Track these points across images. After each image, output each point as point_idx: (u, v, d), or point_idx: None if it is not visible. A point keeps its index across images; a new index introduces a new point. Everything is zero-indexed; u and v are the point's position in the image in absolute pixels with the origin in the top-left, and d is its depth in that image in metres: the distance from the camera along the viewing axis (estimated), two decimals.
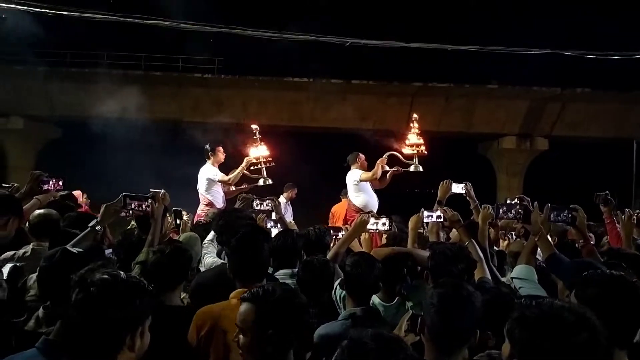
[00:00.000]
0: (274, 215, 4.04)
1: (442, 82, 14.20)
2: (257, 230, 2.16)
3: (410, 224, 3.38)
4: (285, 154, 7.66)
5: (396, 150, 6.26)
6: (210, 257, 3.20)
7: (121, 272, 1.45)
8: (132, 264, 2.62)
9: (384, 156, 6.13)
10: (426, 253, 2.56)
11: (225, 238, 2.81)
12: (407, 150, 6.05)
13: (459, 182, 3.89)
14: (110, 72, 12.40)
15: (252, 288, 1.65)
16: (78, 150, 12.61)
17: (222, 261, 3.04)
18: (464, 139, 16.22)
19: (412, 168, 6.09)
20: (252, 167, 5.84)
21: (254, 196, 3.89)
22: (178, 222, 3.94)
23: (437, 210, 3.40)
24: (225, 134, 6.66)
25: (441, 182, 3.88)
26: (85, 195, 5.98)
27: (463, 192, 3.84)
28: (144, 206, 2.90)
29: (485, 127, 15.00)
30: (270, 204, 3.86)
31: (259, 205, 3.87)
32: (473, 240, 2.91)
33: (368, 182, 6.17)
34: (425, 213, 3.39)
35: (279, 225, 3.74)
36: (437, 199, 3.78)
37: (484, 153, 16.56)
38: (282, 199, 7.60)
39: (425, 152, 6.03)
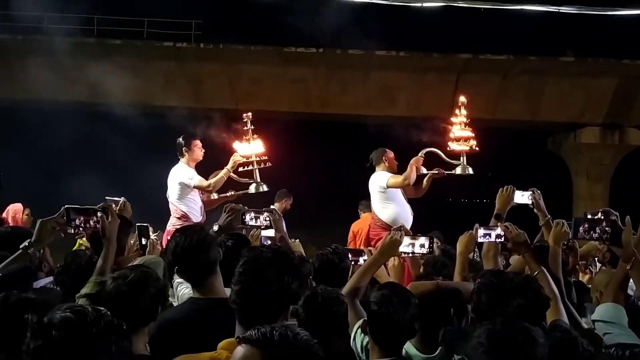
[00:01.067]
0: (269, 232, 4.05)
1: (499, 53, 14.17)
2: (280, 255, 2.14)
3: (458, 246, 3.39)
4: (285, 151, 7.72)
5: (437, 146, 6.28)
6: (184, 287, 3.22)
7: (89, 308, 1.46)
8: (75, 297, 2.65)
9: (420, 154, 6.16)
10: (471, 285, 2.56)
11: (188, 272, 2.76)
12: (452, 146, 6.07)
13: (524, 189, 3.89)
14: (51, 40, 12.48)
15: (255, 329, 1.64)
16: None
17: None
18: (529, 130, 16.15)
19: (458, 170, 6.14)
20: (241, 169, 5.89)
21: (246, 207, 3.92)
22: (144, 241, 3.98)
23: (495, 227, 3.40)
24: (206, 123, 6.72)
25: (500, 190, 3.89)
26: (27, 211, 6.03)
27: (529, 202, 3.85)
28: (91, 222, 2.93)
29: (557, 114, 14.90)
30: (268, 218, 3.88)
31: (253, 220, 3.89)
32: (544, 270, 2.91)
33: (399, 189, 6.19)
34: (481, 231, 3.39)
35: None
36: (495, 211, 3.78)
37: (555, 150, 16.45)
38: None
39: (477, 149, 6.06)
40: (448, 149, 6.13)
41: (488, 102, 14.05)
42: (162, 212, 6.09)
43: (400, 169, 6.24)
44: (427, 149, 6.23)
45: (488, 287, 2.43)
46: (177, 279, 3.35)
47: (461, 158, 6.14)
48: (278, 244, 3.58)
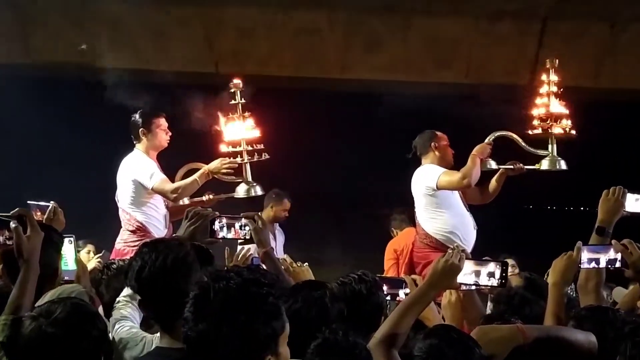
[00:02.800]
0: (253, 249, 4.13)
1: None
2: (243, 286, 2.15)
3: (551, 275, 3.43)
4: (289, 135, 7.72)
5: (512, 129, 6.27)
6: (126, 327, 3.27)
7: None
8: None
9: (487, 140, 6.17)
10: (589, 335, 2.58)
11: (158, 308, 2.78)
12: (535, 129, 6.06)
13: (636, 191, 3.94)
14: None
15: None
16: None
17: (152, 335, 3.09)
18: None
19: (545, 164, 6.14)
20: (225, 164, 5.91)
21: (216, 213, 3.97)
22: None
23: (608, 246, 3.41)
24: (174, 93, 6.75)
25: (604, 193, 3.93)
26: None
27: None
28: (0, 238, 2.97)
29: None
30: (247, 228, 3.93)
31: (225, 230, 3.93)
32: None
33: (455, 192, 6.19)
34: (585, 254, 3.43)
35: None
36: (597, 224, 3.82)
37: None
38: None
39: (573, 132, 6.03)
40: (529, 132, 6.12)
41: (588, 64, 13.98)
42: (109, 222, 6.14)
43: (457, 162, 6.24)
44: (498, 133, 6.24)
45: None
46: (114, 316, 3.37)
47: (549, 146, 6.13)
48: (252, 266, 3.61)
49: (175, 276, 2.73)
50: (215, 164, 5.88)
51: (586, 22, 14.18)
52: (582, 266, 3.44)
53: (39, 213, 4.38)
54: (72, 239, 4.09)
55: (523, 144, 6.19)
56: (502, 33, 14.16)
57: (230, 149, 5.91)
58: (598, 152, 10.16)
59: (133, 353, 3.12)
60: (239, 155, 5.90)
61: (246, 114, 5.91)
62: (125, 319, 3.30)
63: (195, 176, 5.86)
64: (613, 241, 3.48)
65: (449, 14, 14.12)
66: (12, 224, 2.91)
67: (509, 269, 5.94)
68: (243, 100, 5.91)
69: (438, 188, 6.10)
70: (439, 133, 6.34)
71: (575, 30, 14.00)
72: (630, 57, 14.58)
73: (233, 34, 14.35)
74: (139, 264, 2.77)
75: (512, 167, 6.15)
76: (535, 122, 6.12)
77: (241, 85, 5.94)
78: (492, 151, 6.17)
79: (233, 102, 5.93)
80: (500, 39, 14.21)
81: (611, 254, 3.42)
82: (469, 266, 3.16)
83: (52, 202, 4.41)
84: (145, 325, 3.30)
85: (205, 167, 5.88)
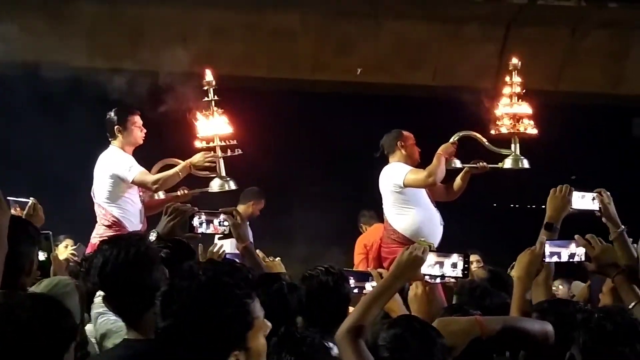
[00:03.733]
0: (231, 245, 4.09)
1: None
2: (213, 279, 2.14)
3: (517, 269, 3.43)
4: (262, 133, 7.72)
5: (476, 128, 6.31)
6: (111, 319, 3.26)
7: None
8: None
9: (451, 139, 6.20)
10: (545, 324, 2.63)
11: (121, 302, 2.74)
12: (498, 129, 6.10)
13: (587, 189, 3.96)
14: None
15: None
16: None
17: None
18: (606, 107, 16.19)
19: (508, 163, 6.19)
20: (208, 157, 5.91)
21: (195, 208, 3.97)
22: (42, 256, 3.93)
23: (571, 242, 3.46)
24: (149, 91, 6.74)
25: (552, 191, 3.98)
26: None
27: (596, 208, 3.92)
28: None
29: None
30: (225, 223, 3.93)
31: (204, 225, 3.94)
32: None
33: (422, 189, 6.22)
34: (549, 248, 3.46)
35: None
36: (545, 220, 3.85)
37: None
38: None
39: (535, 131, 6.08)
40: (492, 132, 6.16)
41: (550, 67, 14.08)
42: (86, 218, 6.11)
43: (423, 161, 6.27)
44: (462, 133, 6.27)
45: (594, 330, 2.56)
46: (96, 309, 3.36)
47: (512, 146, 6.17)
48: (231, 261, 3.61)
49: (138, 270, 2.70)
50: (197, 157, 5.89)
51: (548, 28, 14.29)
52: (546, 260, 3.47)
53: (18, 209, 4.35)
54: (49, 235, 4.08)
55: (486, 143, 6.23)
56: (469, 37, 14.24)
57: (204, 145, 5.92)
58: (558, 153, 10.25)
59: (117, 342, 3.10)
60: (212, 151, 5.91)
61: (219, 110, 5.92)
62: (108, 313, 3.23)
63: (177, 169, 5.86)
64: (576, 236, 3.52)
65: (416, 19, 14.16)
66: None
67: (474, 264, 5.97)
68: (215, 98, 5.93)
69: (405, 186, 6.13)
70: (405, 132, 6.37)
71: (539, 36, 14.10)
72: (593, 65, 14.72)
73: (208, 36, 14.31)
74: (100, 261, 2.72)
75: (476, 165, 6.19)
76: (499, 122, 6.16)
77: (214, 84, 5.96)
78: (456, 150, 6.21)
79: (206, 99, 5.95)
80: (468, 43, 14.28)
81: (572, 249, 3.46)
82: (432, 258, 3.18)
83: (31, 198, 4.39)
84: None
85: (187, 161, 5.88)
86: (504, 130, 6.15)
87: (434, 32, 14.47)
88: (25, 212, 4.29)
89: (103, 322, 3.27)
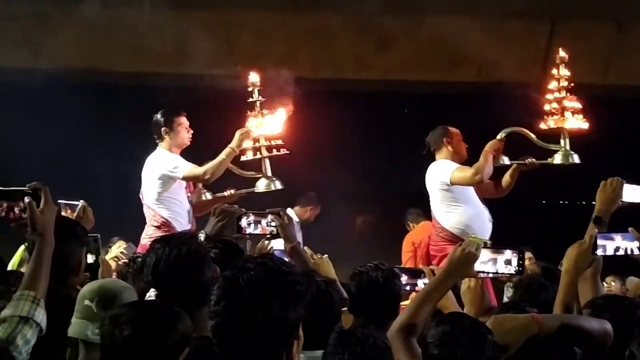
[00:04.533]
0: (279, 244, 4.12)
1: None
2: (269, 272, 2.13)
3: (565, 263, 3.40)
4: (309, 133, 7.71)
5: (524, 124, 6.23)
6: None
7: None
8: None
9: (498, 136, 6.14)
10: (604, 323, 2.61)
11: (175, 299, 2.70)
12: (547, 123, 6.00)
13: (638, 182, 3.96)
14: None
15: None
16: None
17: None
18: None
19: (558, 159, 6.09)
20: (244, 158, 5.95)
21: (242, 209, 3.98)
22: (90, 259, 3.93)
23: (621, 233, 3.39)
24: (194, 94, 6.78)
25: (602, 184, 3.93)
26: None
27: None
28: (16, 210, 2.88)
29: None
30: (273, 223, 3.94)
31: (252, 226, 3.95)
32: None
33: (470, 186, 6.16)
34: (600, 241, 3.43)
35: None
36: (594, 214, 3.81)
37: None
38: (292, 215, 7.73)
39: (586, 125, 5.96)
40: (542, 126, 6.07)
41: (597, 61, 13.89)
42: (134, 220, 6.17)
43: (471, 158, 6.21)
44: (510, 129, 6.20)
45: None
46: None
47: (562, 140, 6.08)
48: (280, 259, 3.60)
49: (191, 268, 2.74)
50: (235, 139, 5.90)
51: (594, 23, 14.11)
52: (596, 254, 3.41)
53: (69, 211, 4.40)
54: (97, 238, 4.10)
55: (535, 139, 6.15)
56: (513, 32, 14.09)
57: (251, 145, 5.95)
58: (606, 148, 10.10)
59: None
60: (258, 152, 5.94)
61: (265, 111, 5.94)
62: None
63: (222, 155, 5.90)
64: (630, 229, 3.46)
65: (459, 15, 14.06)
66: (26, 199, 2.82)
67: (527, 261, 5.93)
68: (261, 98, 5.95)
69: (451, 183, 6.10)
70: (451, 128, 6.32)
71: (585, 31, 13.92)
72: (637, 56, 14.50)
73: (251, 37, 14.37)
74: (153, 260, 2.77)
75: (524, 162, 6.12)
76: (547, 117, 6.07)
77: (258, 84, 5.98)
78: (504, 147, 6.14)
79: (251, 99, 5.97)
80: (511, 39, 14.14)
81: (625, 242, 3.41)
82: (485, 254, 3.15)
83: (81, 201, 4.43)
84: None
85: (229, 147, 5.89)
86: (552, 124, 6.05)
87: (476, 28, 14.37)
88: (75, 214, 4.33)
89: None
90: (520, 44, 13.71)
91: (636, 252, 3.41)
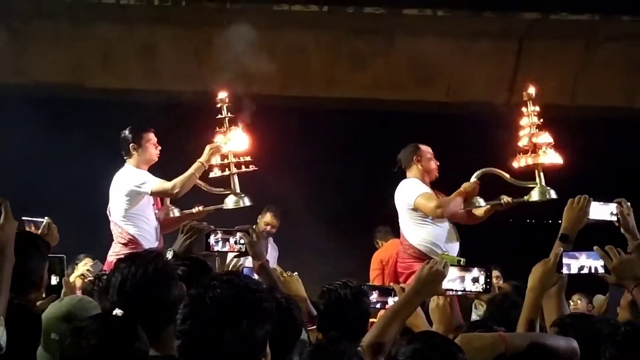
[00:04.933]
0: (248, 262, 4.13)
1: (578, 12, 14.17)
2: (236, 289, 2.11)
3: (531, 280, 3.39)
4: (277, 149, 7.71)
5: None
6: None
7: None
8: None
9: (473, 177, 6.06)
10: (571, 341, 2.63)
11: (140, 319, 2.66)
12: (519, 162, 5.95)
13: (606, 200, 3.97)
14: None
15: None
16: None
17: None
18: (624, 121, 16.11)
19: (534, 196, 6.01)
20: (212, 174, 5.93)
21: (211, 227, 3.96)
22: (54, 280, 3.86)
23: (586, 252, 3.40)
24: (161, 110, 6.75)
25: (570, 202, 3.96)
26: None
27: (613, 219, 3.94)
28: None
29: None
30: (242, 241, 3.91)
31: (220, 243, 3.94)
32: None
33: None
34: (565, 259, 3.43)
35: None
36: (561, 230, 3.85)
37: None
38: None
39: (560, 160, 5.89)
40: (514, 165, 6.03)
41: (564, 82, 14.01)
42: (101, 237, 6.11)
43: (442, 176, 6.22)
44: (483, 170, 6.18)
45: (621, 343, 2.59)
46: None
47: (537, 177, 6.04)
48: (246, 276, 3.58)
49: (158, 287, 2.71)
50: (205, 153, 5.90)
51: (561, 41, 14.26)
52: (561, 272, 3.42)
53: (33, 228, 4.34)
54: (63, 258, 4.03)
55: (509, 178, 6.15)
56: (481, 52, 14.22)
57: (219, 162, 5.93)
58: (574, 167, 10.19)
59: None
60: (227, 168, 5.92)
61: (232, 127, 5.94)
62: None
63: (191, 169, 5.90)
64: (595, 247, 3.47)
65: (429, 36, 14.15)
66: None
67: (494, 280, 5.93)
68: (228, 114, 5.95)
69: (414, 207, 6.12)
70: (422, 146, 6.34)
71: (552, 50, 14.07)
72: (608, 78, 14.63)
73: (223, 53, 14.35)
74: (119, 279, 2.72)
75: (500, 202, 6.11)
76: (520, 155, 6.08)
77: (227, 101, 5.98)
78: (479, 188, 6.14)
79: (220, 116, 5.97)
80: (480, 58, 14.26)
81: (589, 261, 3.41)
82: (453, 272, 3.15)
83: (46, 217, 4.38)
84: None
85: (198, 161, 5.89)
86: (524, 162, 6.05)
87: (446, 48, 14.46)
88: (39, 231, 4.28)
89: None
90: (488, 64, 13.84)
91: (600, 270, 3.42)
